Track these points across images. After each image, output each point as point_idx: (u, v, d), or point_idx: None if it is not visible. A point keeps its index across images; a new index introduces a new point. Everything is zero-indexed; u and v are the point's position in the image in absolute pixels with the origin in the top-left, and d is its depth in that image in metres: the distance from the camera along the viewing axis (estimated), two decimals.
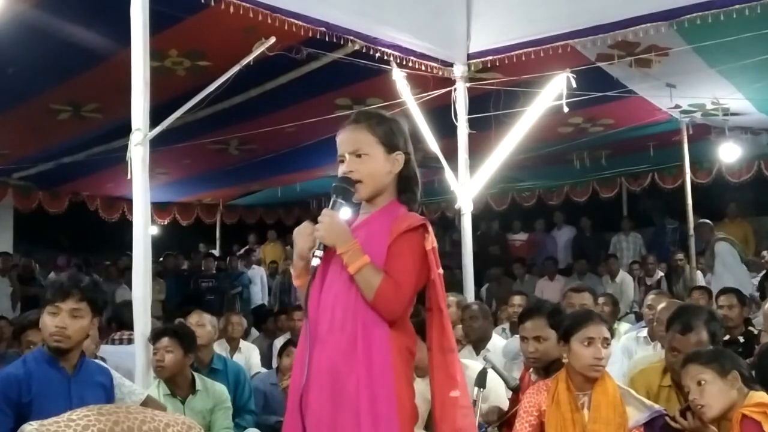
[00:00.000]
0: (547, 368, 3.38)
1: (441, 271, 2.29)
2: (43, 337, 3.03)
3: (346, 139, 2.34)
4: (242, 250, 12.75)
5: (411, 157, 2.37)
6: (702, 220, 9.09)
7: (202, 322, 4.77)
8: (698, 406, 2.88)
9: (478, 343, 5.22)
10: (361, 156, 2.30)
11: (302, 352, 2.28)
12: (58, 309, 2.98)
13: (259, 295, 11.37)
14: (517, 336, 5.22)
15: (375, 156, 2.30)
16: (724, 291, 5.50)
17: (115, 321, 6.62)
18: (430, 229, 2.28)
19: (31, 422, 2.57)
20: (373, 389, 2.15)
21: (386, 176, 2.32)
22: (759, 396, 2.88)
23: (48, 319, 2.98)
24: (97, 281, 10.38)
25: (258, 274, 11.56)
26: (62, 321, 2.97)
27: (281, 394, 4.71)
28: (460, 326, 5.27)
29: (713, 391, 2.87)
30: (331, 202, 2.27)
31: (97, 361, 3.43)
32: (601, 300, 5.65)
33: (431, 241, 2.25)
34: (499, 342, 5.30)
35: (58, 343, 2.97)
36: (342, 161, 2.33)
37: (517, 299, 6.30)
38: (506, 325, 6.34)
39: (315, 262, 2.23)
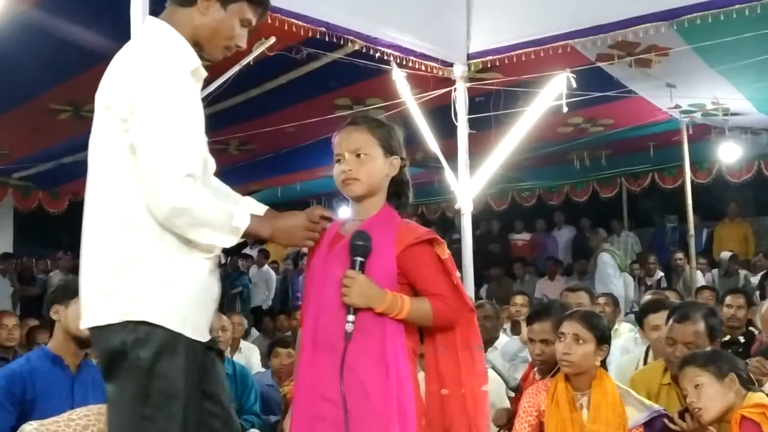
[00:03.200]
0: (553, 370, 3.38)
1: (459, 274, 2.36)
2: (73, 327, 3.06)
3: (345, 138, 2.36)
4: (255, 249, 12.69)
5: (406, 163, 2.42)
6: (598, 228, 9.98)
7: (226, 327, 4.65)
8: (696, 409, 2.87)
9: (487, 343, 5.25)
10: (360, 156, 2.32)
11: (324, 361, 2.25)
12: None
13: (261, 295, 11.29)
14: (515, 337, 5.25)
15: (374, 157, 2.33)
16: (733, 291, 5.49)
17: None
18: (440, 240, 2.32)
19: (31, 422, 2.58)
20: (399, 394, 2.19)
21: (383, 179, 2.36)
22: (758, 397, 2.88)
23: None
24: None
25: (263, 276, 11.50)
26: None
27: (279, 395, 4.69)
28: None
29: (710, 394, 2.86)
30: (351, 262, 2.23)
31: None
32: (602, 300, 5.66)
33: (445, 251, 2.30)
34: (505, 341, 5.33)
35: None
36: (339, 161, 2.35)
37: (519, 299, 6.34)
38: (507, 325, 6.35)
39: (349, 328, 2.20)
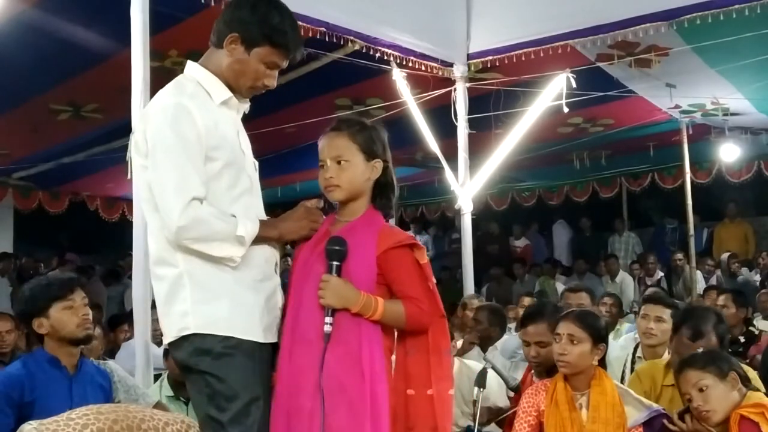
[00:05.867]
0: (550, 371, 3.37)
1: (434, 281, 2.42)
2: (65, 333, 3.02)
3: (327, 145, 2.42)
4: None
5: (389, 164, 2.46)
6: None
7: None
8: (703, 412, 2.85)
9: (488, 342, 5.25)
10: (341, 163, 2.37)
11: (305, 359, 2.30)
12: (74, 301, 3.05)
13: None
14: (515, 334, 5.25)
15: (355, 163, 2.38)
16: (723, 291, 5.49)
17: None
18: (420, 245, 2.40)
19: (30, 422, 2.58)
20: (372, 391, 2.25)
21: (364, 183, 2.41)
22: (757, 396, 2.88)
23: (68, 313, 3.03)
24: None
25: None
26: (83, 310, 3.07)
27: None
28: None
29: (716, 396, 2.85)
30: (328, 266, 2.31)
31: (97, 362, 3.43)
32: (608, 300, 5.66)
33: (424, 257, 2.38)
34: (505, 338, 5.34)
35: (88, 330, 3.09)
36: (322, 167, 2.41)
37: (527, 301, 6.39)
38: (512, 325, 6.37)
39: (327, 329, 2.27)
